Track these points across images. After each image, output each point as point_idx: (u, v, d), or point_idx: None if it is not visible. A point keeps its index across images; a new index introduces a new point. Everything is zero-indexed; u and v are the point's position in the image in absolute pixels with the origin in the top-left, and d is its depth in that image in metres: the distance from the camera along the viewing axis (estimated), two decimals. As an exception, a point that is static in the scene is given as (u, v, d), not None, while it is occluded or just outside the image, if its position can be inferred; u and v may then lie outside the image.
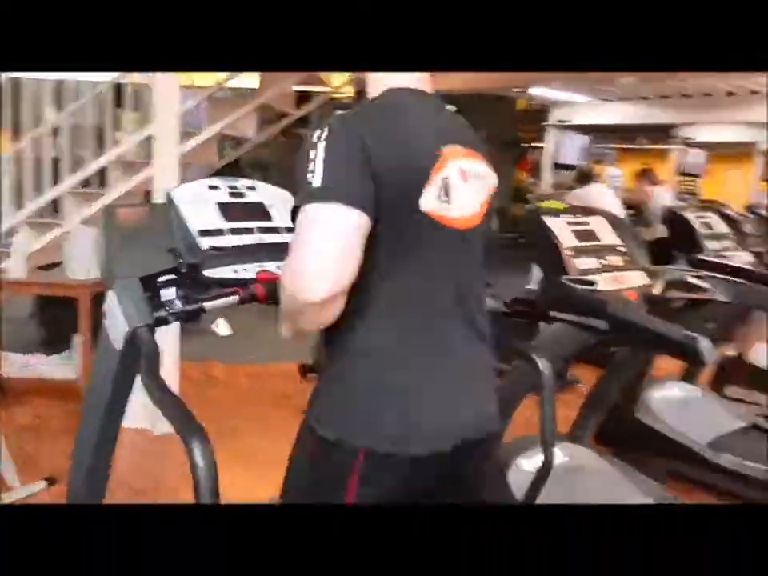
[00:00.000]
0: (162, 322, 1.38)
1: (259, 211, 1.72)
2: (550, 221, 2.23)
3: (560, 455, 2.20)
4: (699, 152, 10.04)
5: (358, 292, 1.14)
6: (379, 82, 1.27)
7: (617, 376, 2.90)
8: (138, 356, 1.36)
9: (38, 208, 4.19)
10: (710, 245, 3.15)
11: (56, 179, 4.20)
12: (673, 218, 3.43)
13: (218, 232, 1.59)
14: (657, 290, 2.24)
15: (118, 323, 1.34)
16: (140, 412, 3.35)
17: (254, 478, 2.55)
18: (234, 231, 1.62)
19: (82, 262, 3.53)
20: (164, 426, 3.32)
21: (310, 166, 1.11)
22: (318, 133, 1.14)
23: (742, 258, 3.10)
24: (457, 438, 1.21)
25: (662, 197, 5.78)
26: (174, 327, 3.36)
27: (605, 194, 5.03)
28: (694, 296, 2.49)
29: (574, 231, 2.36)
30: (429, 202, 1.19)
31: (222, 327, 1.43)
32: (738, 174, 14.65)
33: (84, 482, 1.55)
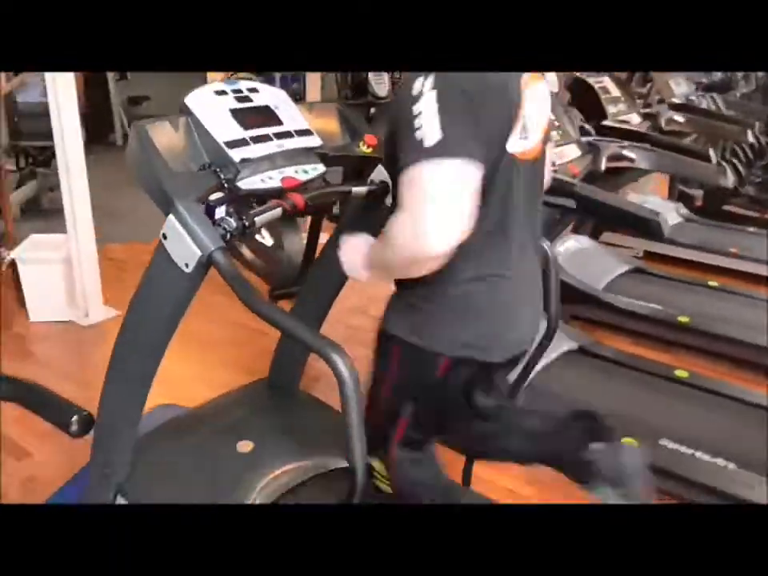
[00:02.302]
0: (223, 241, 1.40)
1: (270, 115, 1.69)
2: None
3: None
4: None
5: None
6: None
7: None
8: (202, 279, 1.40)
9: None
10: (611, 109, 3.30)
11: None
12: (578, 85, 3.51)
13: (243, 142, 1.58)
14: (602, 165, 2.42)
15: (184, 248, 1.34)
16: (63, 306, 3.26)
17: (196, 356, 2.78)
18: (255, 140, 1.60)
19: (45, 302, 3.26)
20: (92, 318, 3.26)
21: (417, 122, 1.03)
22: (417, 87, 1.06)
23: (635, 121, 3.35)
24: (519, 348, 1.36)
25: None
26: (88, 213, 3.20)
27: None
28: (623, 165, 2.70)
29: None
30: (514, 143, 1.17)
31: (267, 238, 1.45)
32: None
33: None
